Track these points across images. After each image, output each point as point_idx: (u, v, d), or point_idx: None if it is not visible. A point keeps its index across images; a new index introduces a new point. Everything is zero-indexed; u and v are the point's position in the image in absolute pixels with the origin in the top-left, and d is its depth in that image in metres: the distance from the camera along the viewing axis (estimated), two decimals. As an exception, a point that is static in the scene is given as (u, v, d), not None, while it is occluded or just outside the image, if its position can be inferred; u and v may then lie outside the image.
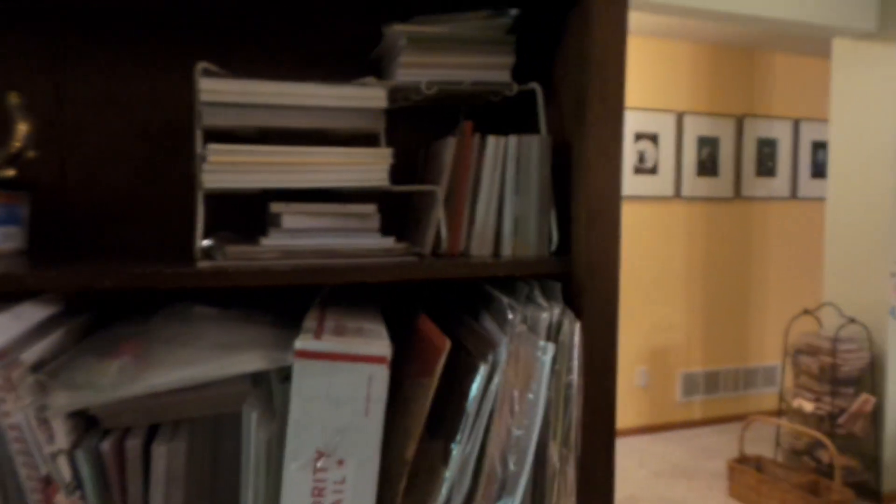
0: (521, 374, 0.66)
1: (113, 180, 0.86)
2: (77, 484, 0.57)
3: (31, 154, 0.62)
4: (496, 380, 0.64)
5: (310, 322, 0.67)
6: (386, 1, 0.93)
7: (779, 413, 3.10)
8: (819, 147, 3.98)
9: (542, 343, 0.64)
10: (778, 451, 3.09)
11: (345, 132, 0.78)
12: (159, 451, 0.59)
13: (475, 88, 0.85)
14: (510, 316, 0.67)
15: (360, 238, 0.74)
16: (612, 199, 0.75)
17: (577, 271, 0.75)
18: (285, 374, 0.62)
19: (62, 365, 0.59)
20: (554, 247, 0.81)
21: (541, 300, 0.71)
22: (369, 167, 0.74)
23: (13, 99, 0.60)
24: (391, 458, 0.66)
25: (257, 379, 0.67)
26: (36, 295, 0.68)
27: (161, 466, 0.59)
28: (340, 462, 0.60)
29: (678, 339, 3.72)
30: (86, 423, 0.62)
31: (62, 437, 0.57)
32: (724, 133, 3.75)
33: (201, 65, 0.72)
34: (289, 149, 0.70)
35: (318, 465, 0.59)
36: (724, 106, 3.75)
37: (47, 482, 0.53)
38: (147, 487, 0.59)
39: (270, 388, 0.65)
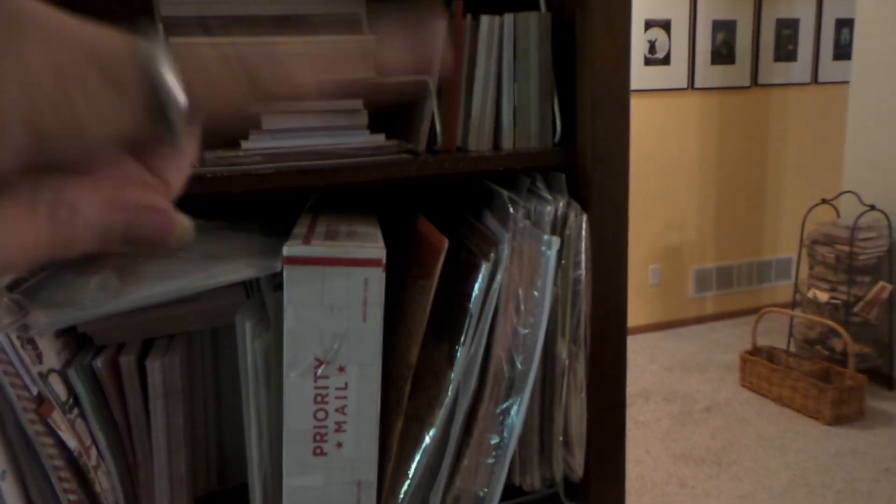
0: (525, 270, 0.62)
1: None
2: (74, 401, 0.56)
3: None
4: (499, 278, 0.61)
5: (300, 229, 0.64)
6: None
7: (793, 305, 3.11)
8: (843, 25, 3.75)
9: (546, 237, 0.60)
10: (791, 342, 3.12)
11: (322, 19, 0.71)
12: (153, 367, 0.57)
13: (466, -36, 0.77)
14: (511, 211, 0.63)
15: (348, 136, 0.69)
16: (620, 80, 0.69)
17: (583, 161, 0.70)
18: (278, 283, 0.60)
19: (39, 284, 0.56)
20: (557, 137, 0.75)
21: (544, 193, 0.67)
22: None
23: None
24: (395, 363, 0.64)
25: (250, 289, 0.64)
26: None
27: (157, 381, 0.57)
28: (341, 369, 0.58)
29: (691, 236, 3.68)
30: (78, 340, 0.61)
31: (52, 356, 0.55)
32: (742, 15, 3.53)
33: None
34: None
35: (319, 372, 0.57)
36: (742, -16, 3.51)
37: (40, 401, 0.52)
38: (147, 402, 0.58)
39: (263, 298, 0.63)
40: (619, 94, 0.69)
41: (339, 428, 0.59)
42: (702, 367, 3.20)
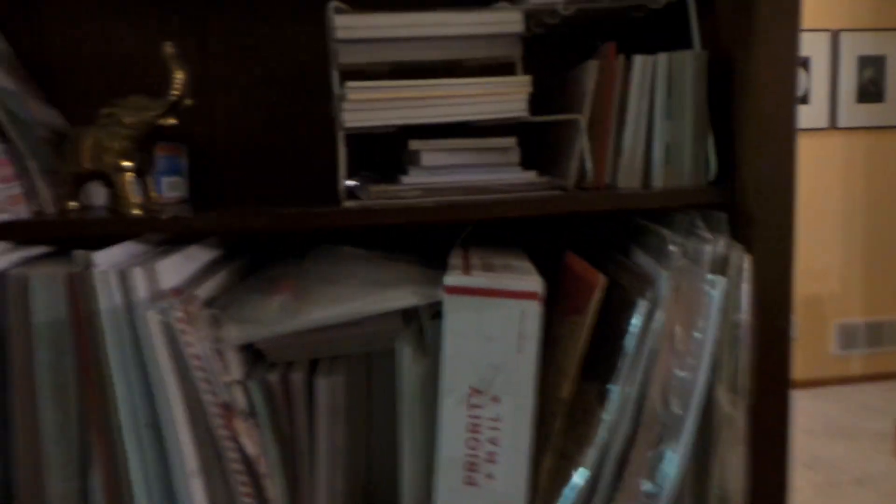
0: (684, 310, 0.60)
1: (256, 127, 0.89)
2: (251, 411, 0.61)
3: (188, 102, 0.64)
4: (657, 317, 0.59)
5: (455, 260, 0.66)
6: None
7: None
8: None
9: (710, 276, 0.59)
10: (957, 409, 2.75)
11: (479, 62, 0.75)
12: (321, 384, 0.61)
13: (616, 4, 0.78)
14: (670, 248, 0.61)
15: (500, 173, 0.71)
16: (785, 115, 0.66)
17: (743, 200, 0.68)
18: (435, 311, 0.62)
19: (230, 302, 0.62)
20: (712, 175, 0.73)
21: (703, 232, 0.65)
22: (507, 98, 0.70)
23: (168, 49, 0.62)
24: (546, 398, 0.64)
25: (407, 317, 0.67)
26: (201, 239, 0.72)
27: (324, 398, 0.61)
28: (495, 399, 0.59)
29: (834, 287, 3.38)
30: (253, 357, 0.66)
31: (235, 367, 0.60)
32: (892, 51, 3.27)
33: (333, 3, 0.71)
34: (426, 82, 0.68)
35: (473, 401, 0.58)
36: (891, 18, 3.26)
37: (227, 407, 0.57)
38: (311, 417, 0.62)
39: (421, 326, 0.65)
40: (784, 131, 0.67)
41: (490, 458, 0.60)
42: (849, 434, 2.89)
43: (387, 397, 0.67)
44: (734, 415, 0.63)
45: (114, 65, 0.85)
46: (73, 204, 0.68)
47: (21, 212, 0.61)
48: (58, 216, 0.64)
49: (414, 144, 0.71)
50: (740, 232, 0.67)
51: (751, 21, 0.66)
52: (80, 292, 0.56)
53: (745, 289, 0.63)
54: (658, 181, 0.74)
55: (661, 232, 0.66)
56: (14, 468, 0.59)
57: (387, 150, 0.89)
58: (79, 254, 0.58)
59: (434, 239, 0.86)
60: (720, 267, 0.64)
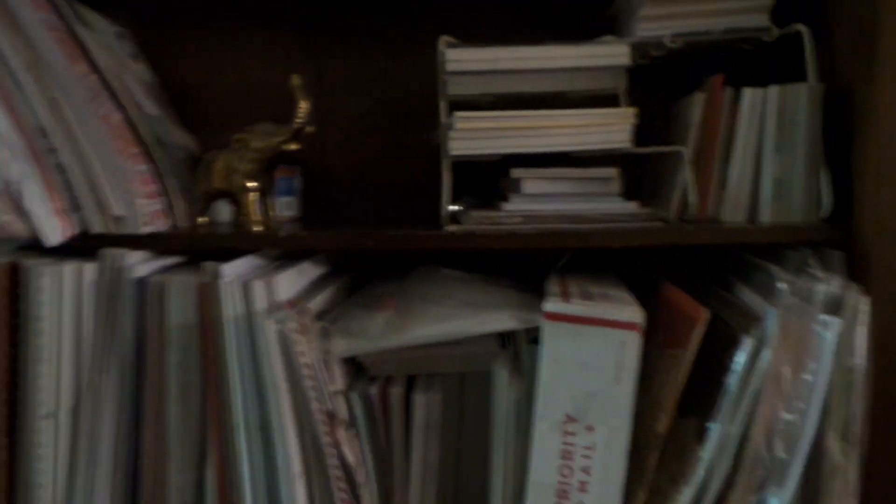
0: (793, 350, 0.58)
1: (365, 153, 0.94)
2: (352, 422, 0.64)
3: (310, 129, 0.70)
4: (764, 355, 0.58)
5: (553, 287, 0.67)
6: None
7: None
8: None
9: (822, 317, 0.56)
10: None
11: (583, 94, 0.76)
12: (419, 400, 0.63)
13: (726, 37, 0.77)
14: (780, 286, 0.60)
15: (601, 202, 0.72)
16: (910, 152, 0.63)
17: (861, 239, 0.65)
18: (532, 336, 0.63)
19: (338, 315, 0.66)
20: (825, 212, 0.71)
21: (816, 271, 0.63)
22: (611, 129, 0.71)
23: (295, 80, 0.68)
24: (641, 431, 0.63)
25: (503, 340, 0.68)
26: (312, 255, 0.77)
27: (420, 414, 0.63)
28: (590, 428, 0.59)
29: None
30: (354, 369, 0.70)
31: (339, 379, 0.64)
32: None
33: (444, 38, 0.75)
34: (531, 113, 0.70)
35: (568, 428, 0.59)
36: None
37: (331, 417, 0.60)
38: (408, 431, 0.64)
39: (517, 350, 0.66)
40: (909, 167, 0.63)
41: (582, 488, 0.60)
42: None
43: (478, 418, 0.68)
44: (845, 465, 0.60)
45: (241, 93, 0.93)
46: (202, 219, 0.75)
47: (161, 225, 0.68)
48: (190, 230, 0.71)
49: (516, 172, 0.72)
50: (857, 272, 0.64)
51: (873, 53, 0.64)
52: (208, 300, 0.62)
53: (862, 332, 0.60)
54: (766, 216, 0.72)
55: (768, 268, 0.64)
56: (140, 458, 0.65)
57: (487, 177, 0.92)
58: (208, 265, 0.63)
59: (530, 264, 0.87)
60: (834, 308, 0.61)
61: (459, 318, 0.62)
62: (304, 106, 0.68)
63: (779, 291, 0.60)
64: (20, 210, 0.62)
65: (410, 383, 0.68)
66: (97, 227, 0.65)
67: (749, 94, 0.72)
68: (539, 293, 0.69)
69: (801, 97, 0.71)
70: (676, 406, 0.62)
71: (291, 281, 0.67)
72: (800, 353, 0.58)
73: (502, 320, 0.61)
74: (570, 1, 0.90)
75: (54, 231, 0.63)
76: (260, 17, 0.92)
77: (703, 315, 0.60)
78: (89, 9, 0.78)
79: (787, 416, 0.57)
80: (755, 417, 0.58)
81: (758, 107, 0.72)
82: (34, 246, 0.64)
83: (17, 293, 0.64)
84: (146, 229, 0.65)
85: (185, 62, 0.93)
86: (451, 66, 0.72)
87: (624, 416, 0.58)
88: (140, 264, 0.65)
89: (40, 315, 0.63)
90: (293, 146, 0.70)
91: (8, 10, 0.60)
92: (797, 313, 0.59)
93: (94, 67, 0.67)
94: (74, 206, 0.65)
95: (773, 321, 0.58)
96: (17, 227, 0.62)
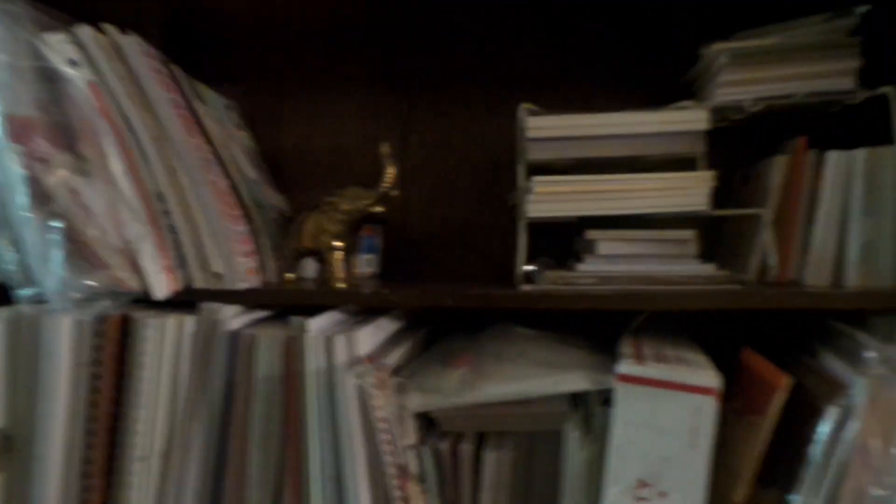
0: (882, 422, 0.55)
1: (444, 213, 0.98)
2: (422, 476, 0.65)
3: (395, 193, 0.75)
4: (851, 426, 0.55)
5: (626, 348, 0.67)
6: (699, 23, 0.90)
7: None
8: None
9: (915, 389, 0.54)
10: None
11: (660, 157, 0.77)
12: (490, 458, 0.64)
13: (810, 100, 0.76)
14: (868, 354, 0.57)
15: (677, 264, 0.72)
16: None
17: (958, 306, 0.61)
18: (605, 398, 0.63)
19: (413, 371, 0.68)
20: (918, 277, 0.68)
21: (907, 339, 0.60)
22: (688, 192, 0.71)
23: (384, 149, 0.73)
24: (716, 500, 0.61)
25: (575, 401, 0.69)
26: (390, 311, 0.81)
27: (491, 471, 0.64)
28: (662, 494, 0.58)
29: None
30: (427, 425, 0.71)
31: (412, 433, 0.66)
32: None
33: (525, 105, 0.79)
34: (608, 177, 0.72)
35: (640, 493, 0.58)
36: None
37: (403, 470, 0.62)
38: (476, 489, 0.65)
39: (588, 411, 0.66)
40: None
41: (656, 557, 0.58)
42: None
43: (548, 479, 0.68)
44: (949, 552, 0.56)
45: (333, 157, 1.00)
46: (290, 276, 0.81)
47: (255, 281, 0.74)
48: (279, 286, 0.76)
49: (591, 234, 0.74)
50: (955, 342, 0.61)
51: (963, 116, 0.62)
52: (293, 353, 0.66)
53: (962, 407, 0.56)
54: (852, 280, 0.70)
55: (855, 335, 0.62)
56: (222, 502, 0.69)
57: (563, 238, 0.94)
58: (295, 320, 0.68)
59: (604, 325, 0.87)
60: (929, 379, 0.58)
61: (532, 377, 0.63)
62: (391, 172, 0.73)
63: (867, 360, 0.58)
64: (135, 267, 0.69)
65: (481, 440, 0.69)
66: (199, 282, 0.71)
67: (834, 157, 0.71)
68: (612, 355, 0.69)
69: (890, 160, 0.69)
70: (756, 476, 0.60)
71: (370, 336, 0.70)
72: (890, 424, 0.55)
73: (575, 381, 0.61)
74: (650, 66, 0.93)
75: (162, 286, 0.70)
76: (352, 84, 1.00)
77: (785, 382, 0.58)
78: (205, 85, 0.87)
79: (877, 492, 0.54)
80: (841, 492, 0.55)
81: (843, 169, 0.71)
82: (144, 300, 0.70)
83: (126, 342, 0.70)
84: (242, 285, 0.71)
85: (283, 130, 1.01)
86: (531, 134, 0.75)
87: (699, 482, 0.57)
88: (233, 318, 0.70)
89: (143, 363, 0.69)
90: (379, 209, 0.74)
91: (142, 91, 0.69)
92: (887, 384, 0.56)
93: (208, 139, 0.75)
94: (181, 263, 0.71)
95: (860, 390, 0.56)
96: (132, 283, 0.69)
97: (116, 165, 0.68)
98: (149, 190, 0.69)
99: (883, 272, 0.69)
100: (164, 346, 0.69)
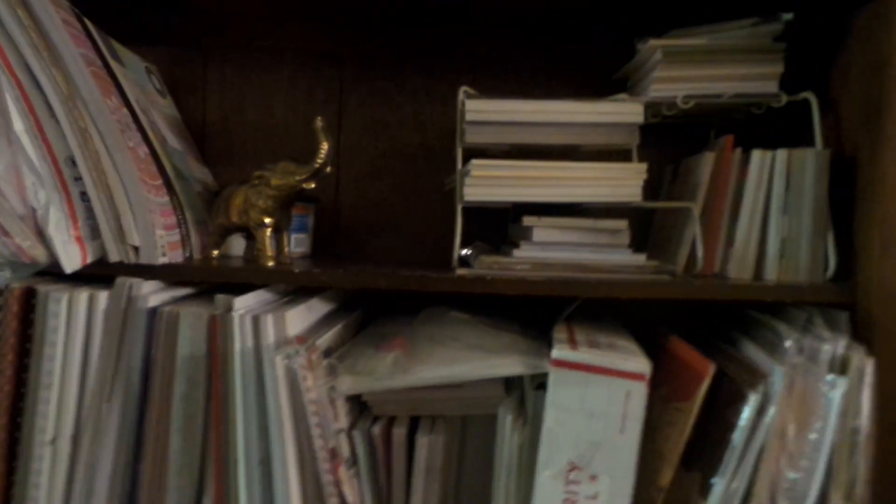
0: (798, 409, 0.59)
1: (376, 195, 0.96)
2: (353, 460, 0.63)
3: (328, 169, 0.72)
4: (770, 412, 0.58)
5: (560, 333, 0.68)
6: (636, 19, 0.92)
7: None
8: None
9: (830, 377, 0.57)
10: None
11: (595, 148, 0.78)
12: (423, 442, 0.63)
13: (736, 101, 0.80)
14: (787, 344, 0.60)
15: (610, 253, 0.73)
16: (914, 218, 0.65)
17: (867, 301, 0.66)
18: (539, 382, 0.63)
19: (346, 353, 0.66)
20: (830, 273, 0.72)
21: (822, 330, 0.63)
22: (622, 182, 0.73)
23: (319, 122, 0.70)
24: (643, 483, 0.63)
25: (508, 385, 0.69)
26: (321, 292, 0.78)
27: (423, 455, 0.63)
28: (593, 477, 0.59)
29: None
30: (359, 408, 0.69)
31: (343, 417, 0.64)
32: None
33: (463, 89, 0.78)
34: (545, 163, 0.72)
35: (571, 476, 0.59)
36: None
37: (333, 454, 0.60)
38: (409, 473, 0.64)
39: (522, 395, 0.66)
40: (912, 233, 0.65)
41: (584, 539, 0.59)
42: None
43: (481, 462, 0.68)
44: (850, 528, 0.59)
45: (262, 131, 0.96)
46: (216, 252, 0.76)
47: (177, 256, 0.69)
48: (204, 262, 0.72)
49: (528, 220, 0.74)
50: (861, 333, 0.65)
51: (880, 122, 0.66)
52: (218, 332, 0.62)
53: (867, 394, 0.60)
54: (771, 274, 0.73)
55: (774, 325, 0.65)
56: (138, 490, 0.64)
57: (498, 223, 0.94)
58: (220, 298, 0.64)
59: (537, 310, 0.88)
60: (839, 368, 0.62)
61: (466, 361, 0.62)
62: (325, 147, 0.70)
63: (785, 349, 0.61)
64: (41, 236, 0.63)
65: (414, 424, 0.68)
66: (114, 255, 0.66)
67: (758, 156, 0.74)
68: (546, 339, 0.69)
69: (808, 162, 0.73)
70: (680, 460, 0.62)
71: (301, 316, 0.68)
72: (805, 411, 0.58)
73: (510, 365, 0.61)
74: (585, 59, 0.94)
75: (72, 258, 0.64)
76: (284, 56, 0.95)
77: (711, 369, 0.60)
78: (122, 45, 0.81)
79: (792, 475, 0.57)
80: (759, 474, 0.58)
81: (766, 168, 0.74)
82: (51, 272, 0.65)
83: (30, 318, 0.65)
84: (162, 260, 0.67)
85: (209, 100, 0.96)
86: (470, 116, 0.74)
87: (627, 466, 0.58)
88: (153, 294, 0.66)
89: (50, 340, 0.63)
90: (311, 185, 0.71)
91: (50, 43, 0.63)
92: (803, 372, 0.59)
93: (126, 102, 0.69)
94: (94, 234, 0.66)
95: (779, 378, 0.59)
96: (37, 253, 0.63)
97: (18, 124, 0.62)
98: (57, 153, 0.63)
99: (800, 267, 0.72)
100: (74, 322, 0.64)
